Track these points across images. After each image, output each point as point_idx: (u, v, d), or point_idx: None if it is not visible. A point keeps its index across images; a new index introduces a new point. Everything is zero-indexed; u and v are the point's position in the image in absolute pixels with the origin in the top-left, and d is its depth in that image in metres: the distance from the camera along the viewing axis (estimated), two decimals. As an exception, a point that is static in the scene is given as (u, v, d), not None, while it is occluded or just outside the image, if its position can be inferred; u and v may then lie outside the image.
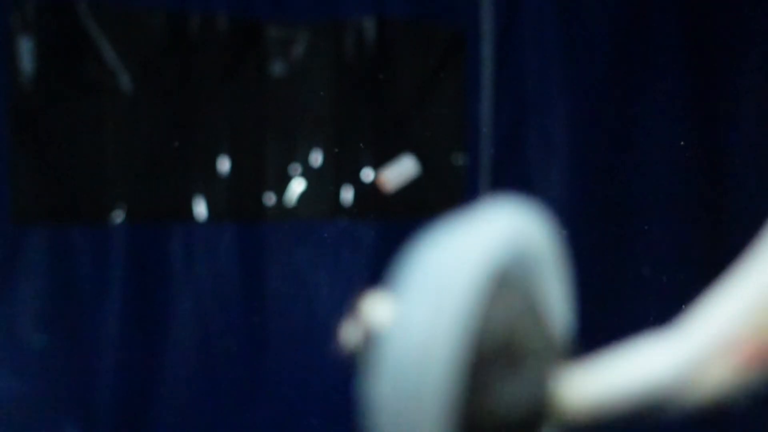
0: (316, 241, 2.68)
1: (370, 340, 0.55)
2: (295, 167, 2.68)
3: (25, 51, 2.41)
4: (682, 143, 2.70)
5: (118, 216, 2.50)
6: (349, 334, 0.57)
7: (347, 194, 2.68)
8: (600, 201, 2.79)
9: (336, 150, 2.69)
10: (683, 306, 0.55)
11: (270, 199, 2.66)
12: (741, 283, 0.51)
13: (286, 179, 2.67)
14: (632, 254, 2.78)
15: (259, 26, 2.64)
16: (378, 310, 0.56)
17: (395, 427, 0.53)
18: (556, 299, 0.59)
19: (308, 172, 2.68)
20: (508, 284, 0.55)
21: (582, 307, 0.63)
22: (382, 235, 2.69)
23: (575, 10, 2.80)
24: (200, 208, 2.59)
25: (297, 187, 2.68)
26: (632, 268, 2.77)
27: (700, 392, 0.52)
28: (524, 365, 0.54)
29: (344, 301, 2.67)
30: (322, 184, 2.69)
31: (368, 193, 2.67)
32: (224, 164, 2.61)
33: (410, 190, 2.46)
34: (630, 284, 2.76)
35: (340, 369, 2.67)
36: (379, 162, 2.62)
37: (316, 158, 2.68)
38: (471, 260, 0.53)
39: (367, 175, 2.69)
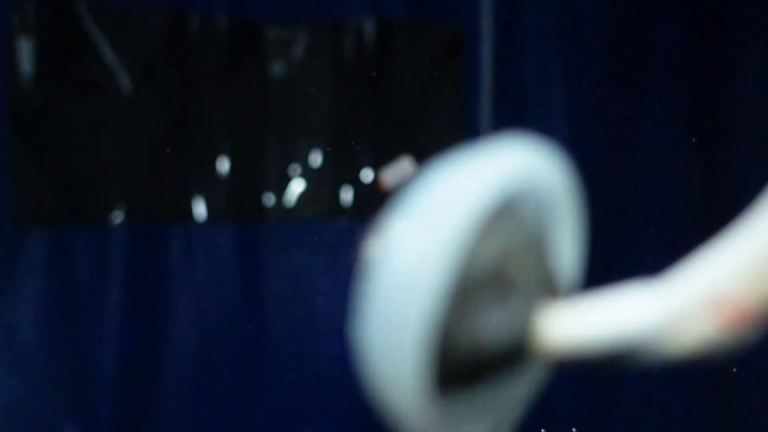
0: (316, 241, 2.68)
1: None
2: (295, 167, 2.68)
3: (25, 51, 2.41)
4: (693, 140, 2.70)
5: (118, 216, 2.50)
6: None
7: (347, 194, 2.68)
8: (600, 201, 2.79)
9: (336, 150, 2.69)
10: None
11: (269, 199, 2.66)
12: (734, 243, 0.51)
13: (286, 179, 2.67)
14: (632, 255, 2.77)
15: (258, 26, 2.64)
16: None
17: (379, 347, 0.53)
18: (564, 239, 0.60)
19: (308, 173, 2.68)
20: (510, 215, 0.55)
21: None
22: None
23: (575, 10, 2.80)
24: (200, 209, 2.59)
25: (296, 187, 2.68)
26: (631, 268, 2.76)
27: (678, 345, 0.52)
28: (513, 296, 0.54)
29: (344, 301, 2.67)
30: (321, 184, 2.69)
31: (368, 193, 2.68)
32: (224, 164, 2.61)
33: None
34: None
35: (339, 369, 2.67)
36: (378, 162, 2.62)
37: (316, 158, 2.68)
38: (473, 187, 0.53)
39: (367, 175, 2.69)
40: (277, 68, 2.66)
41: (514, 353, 0.55)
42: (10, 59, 2.40)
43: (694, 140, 2.77)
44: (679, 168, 2.79)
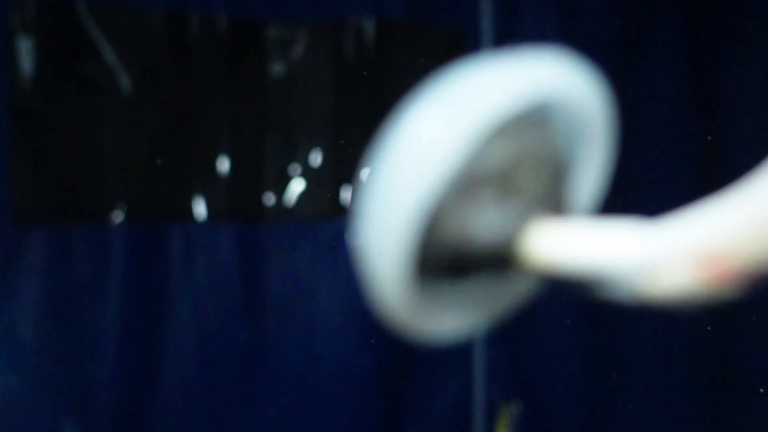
0: (316, 241, 2.68)
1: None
2: (295, 167, 2.68)
3: (25, 51, 2.41)
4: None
5: (118, 216, 2.50)
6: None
7: (347, 194, 2.68)
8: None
9: (336, 150, 2.69)
10: None
11: (269, 199, 2.66)
12: (731, 203, 0.52)
13: (286, 179, 2.67)
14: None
15: (259, 26, 2.64)
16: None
17: (374, 225, 0.55)
18: (587, 167, 0.60)
19: (308, 172, 2.68)
20: (536, 124, 0.56)
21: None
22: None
23: (575, 10, 2.80)
24: (200, 208, 2.59)
25: (297, 187, 2.68)
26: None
27: (657, 289, 0.53)
28: (513, 202, 0.56)
29: (344, 301, 2.67)
30: (322, 184, 2.69)
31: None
32: (224, 164, 2.61)
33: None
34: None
35: (340, 369, 2.67)
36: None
37: (316, 158, 2.68)
38: (504, 85, 0.54)
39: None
40: (277, 68, 2.66)
41: (500, 256, 0.56)
42: (10, 59, 2.40)
43: (695, 139, 2.77)
44: (679, 166, 2.78)
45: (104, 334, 2.48)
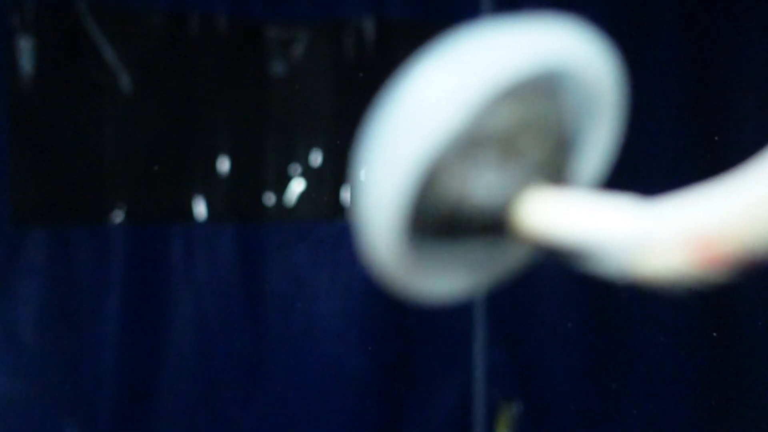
0: (316, 241, 2.68)
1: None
2: (295, 167, 2.68)
3: (25, 51, 2.41)
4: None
5: (118, 216, 2.50)
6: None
7: (347, 194, 2.68)
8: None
9: (336, 150, 2.69)
10: None
11: (270, 199, 2.66)
12: (730, 189, 0.51)
13: (286, 179, 2.67)
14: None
15: (259, 26, 2.63)
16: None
17: (372, 179, 0.55)
18: (594, 141, 0.60)
19: (308, 172, 2.68)
20: (546, 91, 0.56)
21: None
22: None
23: (574, 9, 2.80)
24: (200, 208, 2.59)
25: (297, 187, 2.68)
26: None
27: (646, 267, 0.53)
28: (513, 166, 0.55)
29: (344, 301, 2.67)
30: (322, 184, 2.69)
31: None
32: (224, 164, 2.61)
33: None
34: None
35: (340, 369, 2.67)
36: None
37: (316, 158, 2.68)
38: (517, 46, 0.54)
39: (367, 175, 2.69)
40: (278, 68, 2.66)
41: (494, 220, 0.56)
42: (10, 59, 2.40)
43: (695, 138, 2.77)
44: (679, 163, 2.78)
45: (104, 334, 2.48)
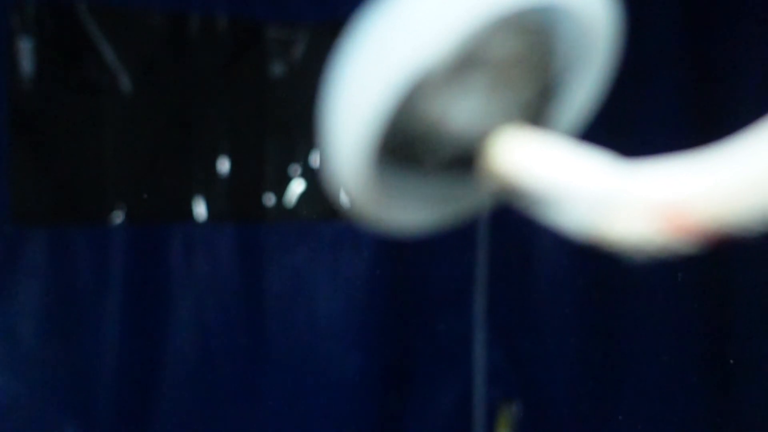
0: (316, 242, 2.68)
1: None
2: (295, 168, 2.68)
3: (25, 51, 2.41)
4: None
5: (118, 216, 2.50)
6: None
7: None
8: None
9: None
10: None
11: (270, 199, 2.66)
12: (709, 162, 0.51)
13: (286, 180, 2.67)
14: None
15: (259, 26, 2.64)
16: None
17: (346, 99, 0.55)
18: (581, 85, 0.60)
19: (308, 173, 2.68)
20: (533, 26, 0.55)
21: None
22: (382, 236, 2.69)
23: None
24: (200, 209, 2.59)
25: (296, 187, 2.68)
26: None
27: (610, 228, 0.51)
28: (495, 97, 0.54)
29: (344, 301, 2.67)
30: (322, 184, 2.69)
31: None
32: (224, 165, 2.61)
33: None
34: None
35: (340, 369, 2.67)
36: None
37: (316, 158, 2.68)
38: None
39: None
40: (277, 68, 2.66)
41: (467, 152, 0.54)
42: (10, 59, 2.40)
43: (695, 138, 2.76)
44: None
45: (104, 334, 2.48)
